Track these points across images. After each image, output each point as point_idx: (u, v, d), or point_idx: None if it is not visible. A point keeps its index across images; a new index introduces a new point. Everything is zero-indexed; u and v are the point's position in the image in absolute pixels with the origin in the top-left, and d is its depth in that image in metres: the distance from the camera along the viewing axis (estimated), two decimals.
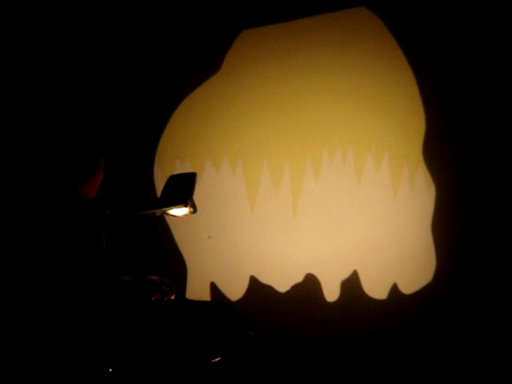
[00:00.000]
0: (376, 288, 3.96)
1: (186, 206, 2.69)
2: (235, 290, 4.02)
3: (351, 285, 3.96)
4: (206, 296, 3.98)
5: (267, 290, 4.00)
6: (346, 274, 3.98)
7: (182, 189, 2.70)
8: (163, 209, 2.72)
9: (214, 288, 4.03)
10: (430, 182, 3.95)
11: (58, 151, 2.55)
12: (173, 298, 2.65)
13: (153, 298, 2.56)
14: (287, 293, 4.00)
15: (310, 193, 3.99)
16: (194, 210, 2.74)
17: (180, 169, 3.85)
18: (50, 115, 3.83)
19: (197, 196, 2.75)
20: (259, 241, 4.01)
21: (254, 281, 4.01)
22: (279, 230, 4.00)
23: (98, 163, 2.60)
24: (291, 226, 4.00)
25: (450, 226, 3.95)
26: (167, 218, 4.00)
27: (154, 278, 2.62)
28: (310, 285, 3.98)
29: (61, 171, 2.51)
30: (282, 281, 4.00)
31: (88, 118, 3.89)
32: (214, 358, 2.33)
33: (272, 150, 3.98)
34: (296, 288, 3.99)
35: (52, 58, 3.89)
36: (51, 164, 2.54)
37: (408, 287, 3.95)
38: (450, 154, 3.94)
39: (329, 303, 3.98)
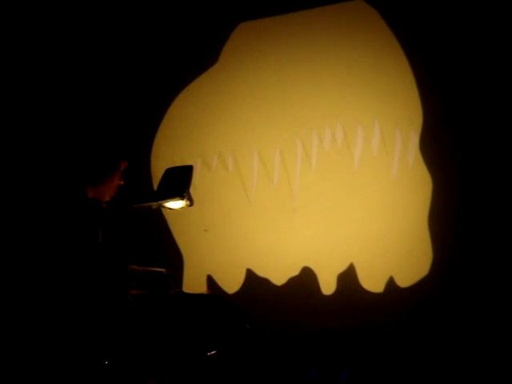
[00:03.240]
0: (372, 281, 3.96)
1: (182, 199, 2.69)
2: (232, 283, 4.03)
3: (348, 278, 3.96)
4: (202, 289, 3.98)
5: (264, 282, 4.00)
6: (342, 267, 3.98)
7: (179, 181, 2.70)
8: (160, 202, 2.71)
9: (210, 281, 4.03)
10: (427, 174, 3.95)
11: (67, 151, 2.54)
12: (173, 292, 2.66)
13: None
14: (284, 286, 4.00)
15: (306, 182, 4.00)
16: (191, 202, 2.73)
17: (176, 162, 3.85)
18: (52, 111, 3.84)
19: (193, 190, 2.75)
20: (256, 234, 4.01)
21: (250, 274, 4.01)
22: (276, 222, 4.01)
23: (115, 167, 2.58)
24: (287, 218, 4.01)
25: (447, 219, 3.94)
26: (164, 211, 4.01)
27: (162, 270, 2.62)
28: (306, 278, 3.98)
29: (66, 170, 2.50)
30: (279, 274, 4.00)
31: (85, 112, 3.89)
32: (210, 351, 2.34)
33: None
34: (292, 281, 3.99)
35: (50, 55, 3.89)
36: (57, 162, 2.53)
37: (404, 280, 3.96)
38: (447, 145, 3.93)
39: (325, 296, 3.98)
